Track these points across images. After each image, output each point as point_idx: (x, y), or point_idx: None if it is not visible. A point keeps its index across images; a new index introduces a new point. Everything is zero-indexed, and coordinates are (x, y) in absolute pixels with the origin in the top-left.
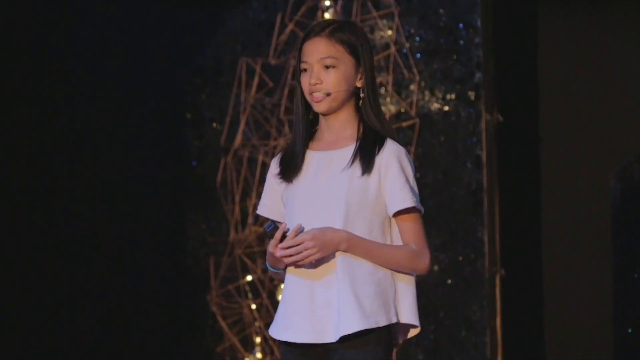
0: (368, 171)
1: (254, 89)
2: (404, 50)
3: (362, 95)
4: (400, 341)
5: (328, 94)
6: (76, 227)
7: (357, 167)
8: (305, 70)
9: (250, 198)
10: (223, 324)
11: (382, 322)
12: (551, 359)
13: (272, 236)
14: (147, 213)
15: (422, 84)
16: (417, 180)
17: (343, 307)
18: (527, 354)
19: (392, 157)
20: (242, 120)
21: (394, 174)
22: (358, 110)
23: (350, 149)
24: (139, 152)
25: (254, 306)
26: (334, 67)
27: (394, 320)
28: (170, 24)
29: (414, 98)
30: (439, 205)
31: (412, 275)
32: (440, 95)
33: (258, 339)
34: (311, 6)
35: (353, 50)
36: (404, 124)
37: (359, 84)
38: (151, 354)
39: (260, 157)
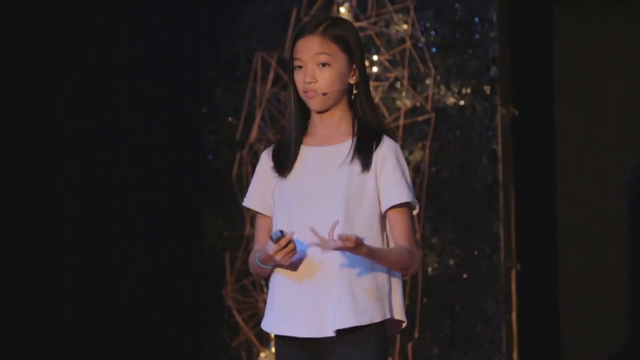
0: (367, 168)
1: (269, 83)
2: (420, 45)
3: (355, 91)
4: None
5: (324, 94)
6: (91, 222)
7: (356, 164)
8: (299, 67)
9: None
10: (239, 318)
11: (376, 318)
12: (567, 353)
13: (276, 242)
14: (162, 207)
15: (438, 78)
16: (433, 174)
17: (339, 302)
18: (543, 348)
19: (389, 153)
20: (257, 114)
21: (390, 169)
22: (351, 105)
23: (346, 145)
24: (154, 147)
25: None
26: (328, 64)
27: (388, 316)
28: (186, 18)
29: (430, 92)
30: (454, 200)
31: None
32: (455, 90)
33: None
34: (326, 0)
35: (346, 47)
36: (420, 119)
37: (352, 81)
38: (167, 348)
39: None
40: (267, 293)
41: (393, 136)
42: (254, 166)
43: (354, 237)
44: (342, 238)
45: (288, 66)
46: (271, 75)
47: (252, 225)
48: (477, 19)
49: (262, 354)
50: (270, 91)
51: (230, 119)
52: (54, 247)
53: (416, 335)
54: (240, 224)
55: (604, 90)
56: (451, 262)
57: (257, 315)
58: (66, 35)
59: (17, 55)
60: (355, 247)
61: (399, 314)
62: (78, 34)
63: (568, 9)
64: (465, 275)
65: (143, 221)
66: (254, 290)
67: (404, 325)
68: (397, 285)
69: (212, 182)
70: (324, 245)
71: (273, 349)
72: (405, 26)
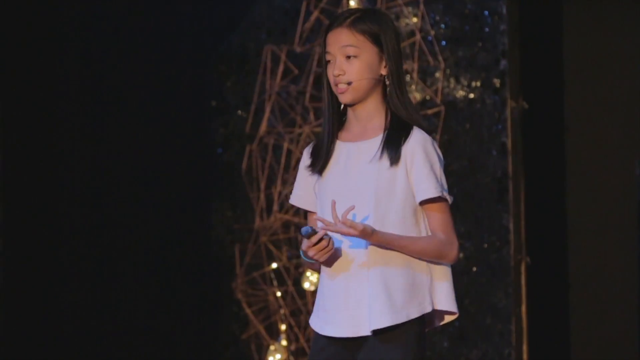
0: (395, 162)
1: (279, 76)
2: (429, 38)
3: (387, 83)
4: (435, 325)
5: (349, 83)
6: (100, 215)
7: (385, 159)
8: (329, 61)
9: (275, 185)
10: (248, 311)
11: (414, 314)
12: (577, 346)
13: (308, 238)
14: (172, 201)
15: (448, 71)
16: (443, 167)
17: (373, 302)
18: (552, 341)
19: (417, 146)
20: (267, 107)
21: (419, 163)
22: (385, 99)
23: (378, 139)
24: (164, 140)
25: (279, 293)
26: (355, 56)
27: (428, 310)
28: (195, 11)
29: (439, 85)
30: (464, 193)
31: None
32: (465, 83)
33: (283, 327)
34: None
35: (375, 39)
36: (429, 112)
37: (383, 72)
38: (176, 341)
39: (286, 145)
40: (276, 286)
41: (427, 128)
42: (263, 159)
43: (361, 226)
44: (346, 224)
45: (321, 60)
46: (281, 68)
47: (262, 219)
48: (486, 12)
49: (272, 347)
50: (280, 84)
51: (239, 112)
52: (62, 244)
53: (435, 325)
54: (250, 217)
55: (613, 82)
56: (461, 255)
57: (266, 308)
58: (74, 28)
59: (22, 47)
60: (361, 235)
61: (444, 304)
62: (86, 26)
63: (578, 2)
64: (475, 269)
65: (153, 214)
66: (264, 283)
67: (455, 315)
68: (441, 274)
69: (222, 176)
70: (329, 226)
71: (283, 342)
72: (414, 19)
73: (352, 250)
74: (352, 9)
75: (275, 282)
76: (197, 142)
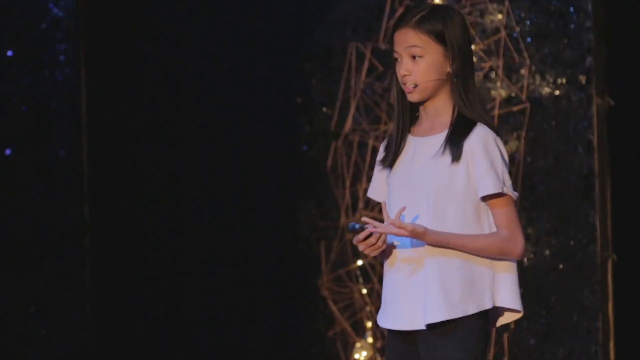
0: (456, 159)
1: (364, 73)
2: (515, 35)
3: (454, 81)
4: (499, 325)
5: (415, 86)
6: (185, 214)
7: (446, 155)
8: (397, 59)
9: (360, 183)
10: (334, 308)
11: (471, 310)
12: None
13: (357, 233)
14: (258, 198)
15: (533, 68)
16: (528, 164)
17: (429, 296)
18: None
19: (477, 142)
20: (352, 104)
21: (478, 159)
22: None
23: (442, 135)
24: (249, 138)
25: (364, 291)
26: (421, 56)
27: (488, 306)
28: (280, 9)
29: (525, 82)
30: (550, 190)
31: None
32: (551, 80)
33: (369, 324)
34: None
35: (440, 38)
36: (515, 109)
37: (450, 70)
38: (262, 339)
39: (371, 142)
40: (362, 284)
41: (492, 125)
42: (348, 156)
43: (411, 226)
44: (395, 225)
45: (391, 58)
46: (365, 65)
47: (347, 216)
48: (572, 9)
49: (358, 344)
50: (365, 81)
51: (324, 109)
52: (147, 242)
53: (512, 326)
54: (335, 214)
55: None
56: (547, 252)
57: (352, 306)
58: (158, 26)
59: (105, 44)
60: (411, 235)
61: (505, 301)
62: (172, 24)
63: None
64: (561, 266)
65: (239, 212)
66: (349, 281)
67: (519, 314)
68: (505, 271)
69: (307, 173)
70: (377, 227)
71: (369, 339)
72: (499, 16)
73: (410, 244)
74: (418, 8)
75: (360, 279)
76: (282, 139)
